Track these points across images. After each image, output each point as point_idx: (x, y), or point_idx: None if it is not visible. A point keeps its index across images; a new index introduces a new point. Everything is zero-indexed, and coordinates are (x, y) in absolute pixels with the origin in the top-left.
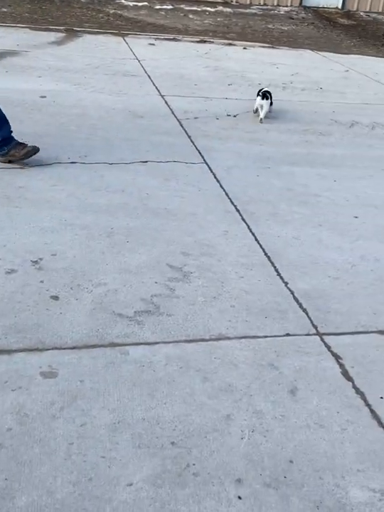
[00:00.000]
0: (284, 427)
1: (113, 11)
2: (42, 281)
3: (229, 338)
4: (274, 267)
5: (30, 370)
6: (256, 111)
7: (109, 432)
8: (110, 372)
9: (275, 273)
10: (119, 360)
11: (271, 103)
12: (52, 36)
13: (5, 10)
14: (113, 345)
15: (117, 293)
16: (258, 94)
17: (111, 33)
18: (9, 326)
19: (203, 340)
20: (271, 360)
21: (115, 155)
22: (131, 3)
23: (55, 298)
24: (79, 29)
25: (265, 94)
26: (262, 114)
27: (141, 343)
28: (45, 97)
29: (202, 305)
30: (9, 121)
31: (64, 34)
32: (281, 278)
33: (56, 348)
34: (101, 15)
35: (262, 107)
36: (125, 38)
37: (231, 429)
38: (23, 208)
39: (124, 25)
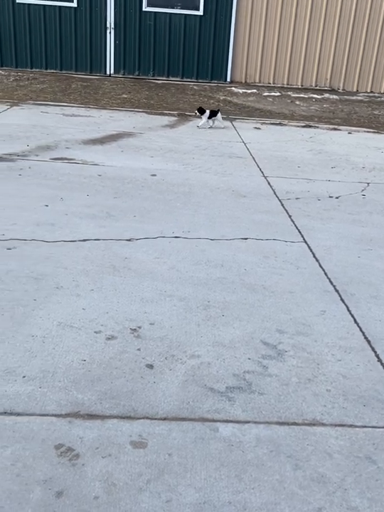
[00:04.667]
0: None
1: (223, 97)
2: (139, 349)
3: (324, 425)
4: (375, 353)
5: (121, 438)
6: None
7: None
8: (199, 448)
9: (375, 358)
10: (208, 437)
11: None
12: (166, 120)
13: (125, 96)
14: (203, 420)
15: (210, 366)
16: (209, 117)
17: None
18: (105, 391)
19: (295, 423)
20: (369, 452)
21: (217, 231)
22: (240, 91)
23: (150, 366)
24: (190, 114)
25: (214, 113)
26: (221, 125)
27: (231, 421)
28: (155, 175)
29: (296, 386)
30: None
31: (176, 118)
32: (382, 365)
33: (147, 418)
34: (212, 101)
35: (215, 120)
36: (233, 122)
37: None
38: (127, 278)
39: (233, 111)
